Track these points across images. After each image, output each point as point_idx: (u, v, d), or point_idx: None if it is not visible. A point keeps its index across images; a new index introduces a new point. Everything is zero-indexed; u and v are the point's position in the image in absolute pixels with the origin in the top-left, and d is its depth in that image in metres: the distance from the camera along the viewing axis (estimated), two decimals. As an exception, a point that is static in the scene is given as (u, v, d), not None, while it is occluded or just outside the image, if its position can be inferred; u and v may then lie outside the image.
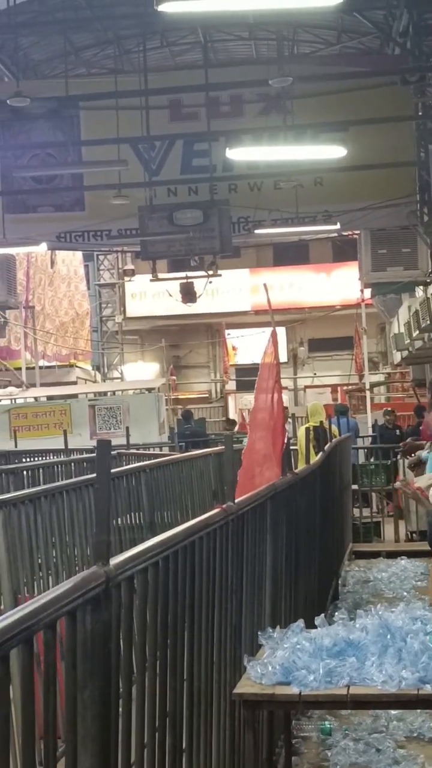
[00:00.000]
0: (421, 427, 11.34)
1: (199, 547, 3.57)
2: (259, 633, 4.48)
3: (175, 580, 3.23)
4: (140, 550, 2.90)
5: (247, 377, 27.14)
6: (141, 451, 13.94)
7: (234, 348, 31.66)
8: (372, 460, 14.71)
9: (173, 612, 3.19)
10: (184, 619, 3.34)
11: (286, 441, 6.14)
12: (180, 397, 31.89)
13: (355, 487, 13.44)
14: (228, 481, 4.50)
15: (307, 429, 10.33)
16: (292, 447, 9.00)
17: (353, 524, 12.88)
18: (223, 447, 7.35)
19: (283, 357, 29.28)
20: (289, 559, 5.60)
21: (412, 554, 11.57)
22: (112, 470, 8.82)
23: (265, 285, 7.37)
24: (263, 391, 6.46)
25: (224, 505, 4.07)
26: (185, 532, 3.40)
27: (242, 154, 14.80)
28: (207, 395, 33.29)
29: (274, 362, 6.37)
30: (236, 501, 4.26)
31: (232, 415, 31.26)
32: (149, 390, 22.31)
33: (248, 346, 28.99)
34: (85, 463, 11.35)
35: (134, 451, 13.77)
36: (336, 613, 4.86)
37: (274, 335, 6.45)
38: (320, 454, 8.19)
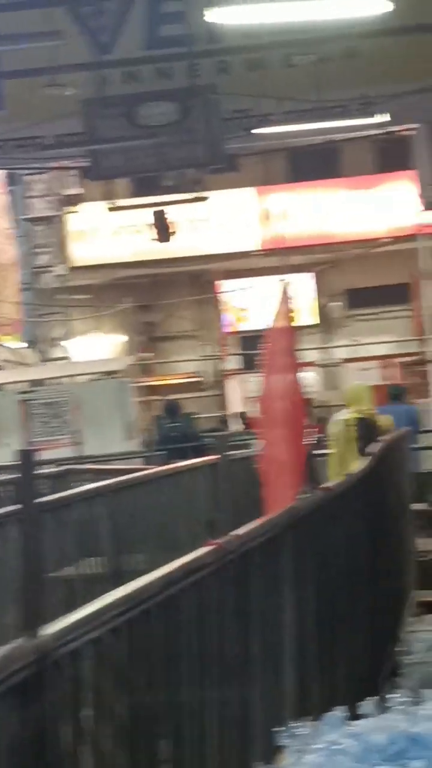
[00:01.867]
0: None
1: (184, 602, 3.58)
2: (277, 729, 4.48)
3: (146, 654, 3.22)
4: (91, 612, 2.89)
5: (257, 350, 27.13)
6: (100, 466, 13.96)
7: (241, 309, 31.59)
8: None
9: (144, 703, 3.19)
10: (160, 715, 3.34)
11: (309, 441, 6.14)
12: (157, 383, 31.91)
13: (419, 506, 13.47)
14: (224, 506, 4.50)
15: (346, 422, 10.35)
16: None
17: (419, 562, 12.90)
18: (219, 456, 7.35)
19: (307, 317, 29.27)
20: (321, 617, 5.60)
21: None
22: (58, 495, 8.83)
23: (268, 212, 7.35)
24: (278, 369, 6.45)
25: (220, 540, 4.08)
26: (161, 581, 3.42)
27: (235, 14, 14.74)
28: (198, 379, 33.30)
29: (288, 325, 6.36)
30: (239, 533, 4.27)
31: (237, 407, 31.29)
32: (110, 374, 22.30)
33: (259, 305, 28.94)
34: (12, 487, 11.36)
35: (90, 465, 13.78)
36: (394, 696, 4.87)
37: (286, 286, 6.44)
38: (365, 458, 8.21)
